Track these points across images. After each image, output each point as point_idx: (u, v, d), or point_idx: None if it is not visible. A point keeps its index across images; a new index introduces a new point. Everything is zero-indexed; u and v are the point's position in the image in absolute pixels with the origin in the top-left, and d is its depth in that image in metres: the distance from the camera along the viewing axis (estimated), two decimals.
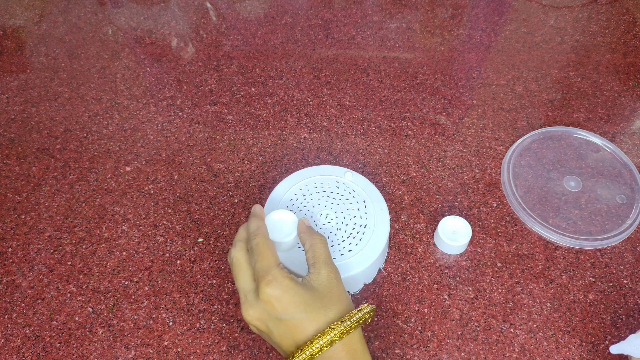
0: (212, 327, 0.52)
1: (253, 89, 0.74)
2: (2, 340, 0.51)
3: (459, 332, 0.51)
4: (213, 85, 0.75)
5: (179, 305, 0.53)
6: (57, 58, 0.78)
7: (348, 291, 0.53)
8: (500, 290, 0.54)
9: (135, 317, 0.52)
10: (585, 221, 0.59)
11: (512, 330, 0.51)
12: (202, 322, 0.52)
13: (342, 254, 0.51)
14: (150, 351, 0.50)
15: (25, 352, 0.50)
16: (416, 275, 0.55)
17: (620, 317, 0.52)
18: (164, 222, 0.60)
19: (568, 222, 0.59)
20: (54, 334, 0.51)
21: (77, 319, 0.52)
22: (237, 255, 0.43)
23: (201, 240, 0.58)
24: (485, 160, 0.66)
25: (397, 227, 0.59)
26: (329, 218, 0.54)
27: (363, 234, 0.53)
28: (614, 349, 0.44)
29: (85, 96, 0.73)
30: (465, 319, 0.52)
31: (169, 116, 0.71)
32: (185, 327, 0.52)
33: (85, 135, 0.69)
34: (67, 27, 0.83)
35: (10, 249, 0.58)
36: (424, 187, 0.63)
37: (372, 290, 0.54)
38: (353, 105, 0.72)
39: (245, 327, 0.52)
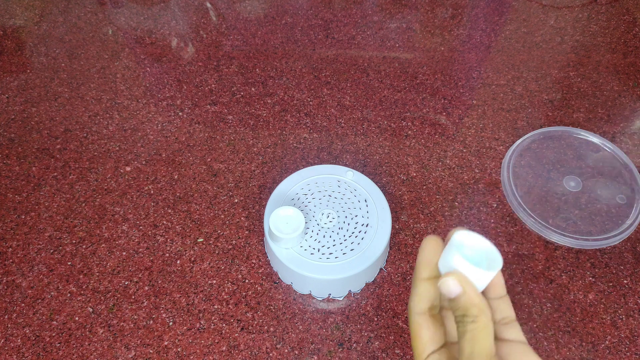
0: (212, 327, 0.52)
1: (253, 89, 0.74)
2: (2, 340, 0.51)
3: None
4: (213, 85, 0.75)
5: (179, 305, 0.53)
6: (57, 58, 0.78)
7: (350, 290, 0.53)
8: None
9: (135, 317, 0.52)
10: (585, 221, 0.59)
11: None
12: (202, 322, 0.52)
13: (344, 253, 0.51)
14: (150, 351, 0.50)
15: (25, 352, 0.50)
16: None
17: (620, 317, 0.52)
18: (164, 222, 0.60)
19: (568, 222, 0.59)
20: (54, 334, 0.51)
21: (77, 319, 0.52)
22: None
23: (201, 240, 0.58)
24: (485, 160, 0.66)
25: (397, 227, 0.59)
26: (331, 217, 0.54)
27: (365, 232, 0.53)
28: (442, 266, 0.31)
29: (85, 96, 0.73)
30: None
31: (169, 116, 0.71)
32: (185, 327, 0.51)
33: (85, 135, 0.69)
34: (67, 27, 0.83)
35: (10, 249, 0.58)
36: (424, 187, 0.63)
37: (372, 290, 0.54)
38: (353, 105, 0.72)
39: (245, 327, 0.52)
